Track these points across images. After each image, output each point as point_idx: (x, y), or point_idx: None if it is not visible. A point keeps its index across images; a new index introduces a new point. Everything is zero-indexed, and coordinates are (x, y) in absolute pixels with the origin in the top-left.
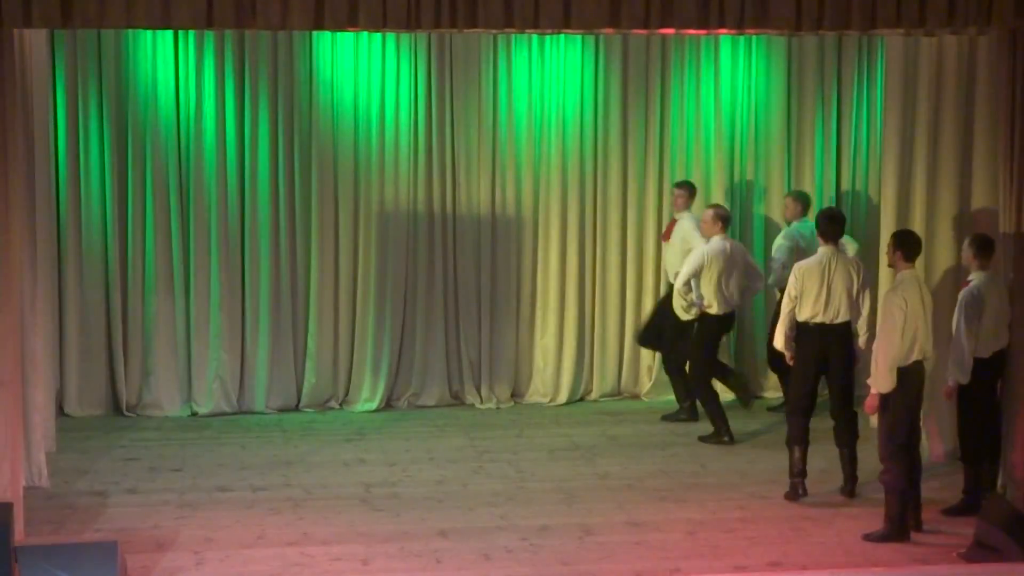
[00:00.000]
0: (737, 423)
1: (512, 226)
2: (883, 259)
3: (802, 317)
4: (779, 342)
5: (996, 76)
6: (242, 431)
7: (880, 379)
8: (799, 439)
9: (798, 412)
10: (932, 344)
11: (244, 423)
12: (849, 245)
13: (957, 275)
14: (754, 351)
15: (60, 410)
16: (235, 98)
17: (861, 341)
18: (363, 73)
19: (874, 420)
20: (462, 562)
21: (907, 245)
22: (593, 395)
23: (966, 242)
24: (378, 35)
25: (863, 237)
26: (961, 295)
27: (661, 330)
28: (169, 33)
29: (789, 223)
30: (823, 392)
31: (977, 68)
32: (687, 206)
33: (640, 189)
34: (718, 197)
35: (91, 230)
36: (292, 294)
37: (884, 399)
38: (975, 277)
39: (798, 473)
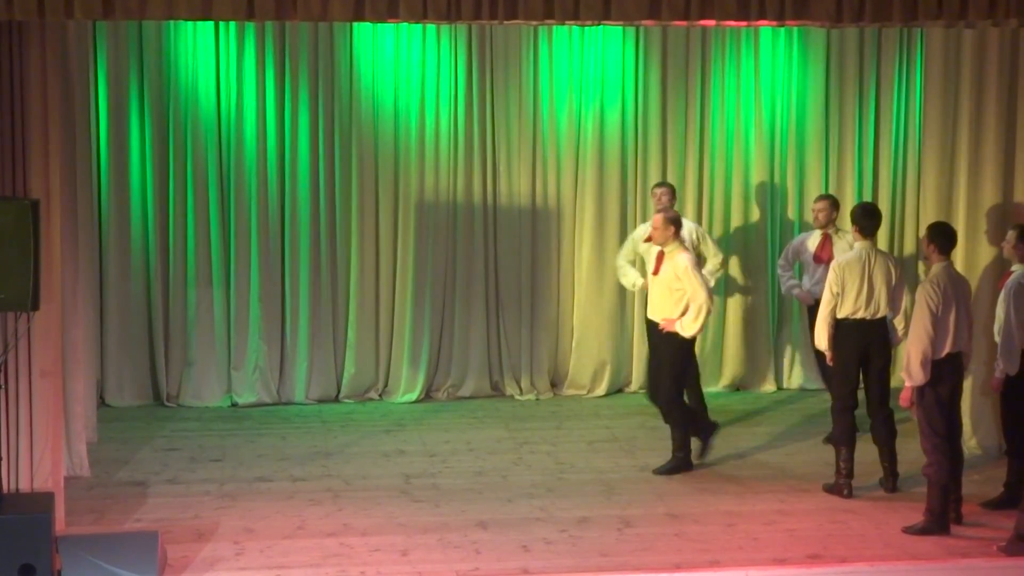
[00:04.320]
0: (778, 415)
1: (552, 217)
2: (922, 252)
3: (842, 313)
4: (821, 342)
5: None
6: (282, 422)
7: (913, 372)
8: (847, 439)
9: (845, 411)
10: (969, 337)
11: (284, 414)
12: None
13: (999, 269)
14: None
15: (101, 400)
16: (275, 90)
17: (899, 335)
18: (403, 64)
19: (913, 413)
20: (501, 553)
21: (941, 238)
22: (632, 387)
23: (1010, 234)
24: (418, 26)
25: (902, 231)
26: (1007, 285)
27: None
28: (210, 25)
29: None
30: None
31: (1020, 60)
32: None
33: (680, 180)
34: (757, 189)
35: (132, 221)
36: (332, 285)
37: (919, 392)
38: (1018, 268)
39: (846, 474)
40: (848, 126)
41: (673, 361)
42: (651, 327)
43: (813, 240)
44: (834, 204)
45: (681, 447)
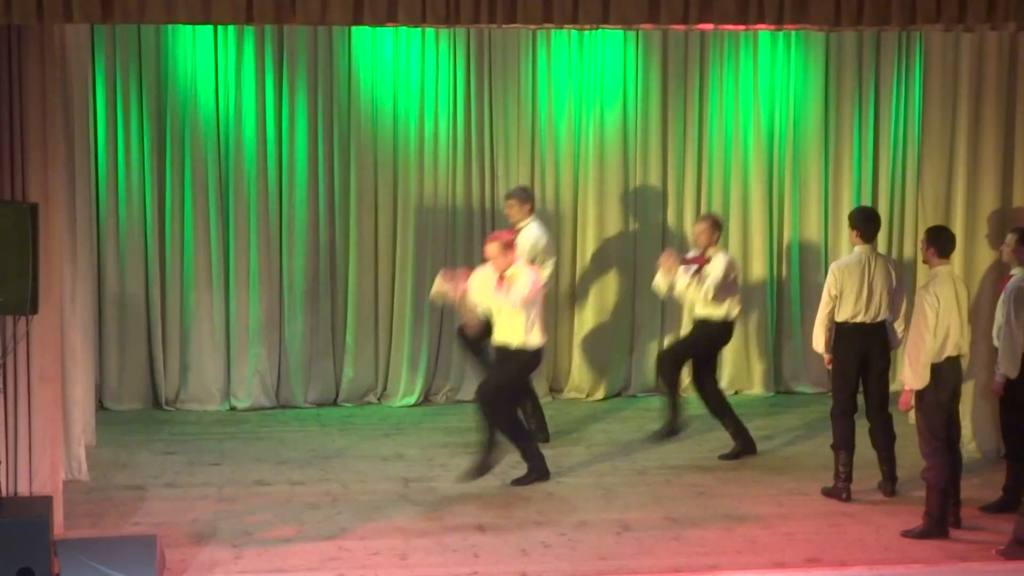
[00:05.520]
0: (776, 418)
1: (551, 221)
2: (920, 256)
3: (841, 317)
4: (819, 345)
5: None
6: (280, 425)
7: (913, 375)
8: (846, 443)
9: (845, 415)
10: (968, 340)
11: (282, 417)
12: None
13: (998, 272)
14: None
15: (100, 404)
16: (274, 93)
17: (899, 338)
18: (402, 67)
19: (912, 417)
20: (499, 557)
21: (940, 241)
22: (631, 391)
23: (1009, 237)
24: (417, 30)
25: (901, 235)
26: (1007, 289)
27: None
28: (208, 28)
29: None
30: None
31: (1019, 64)
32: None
33: (679, 183)
34: (756, 193)
35: (130, 225)
36: (331, 288)
37: (919, 396)
38: (1018, 272)
39: (845, 478)
40: (847, 129)
41: (517, 376)
42: (497, 351)
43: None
44: (715, 225)
45: (533, 455)
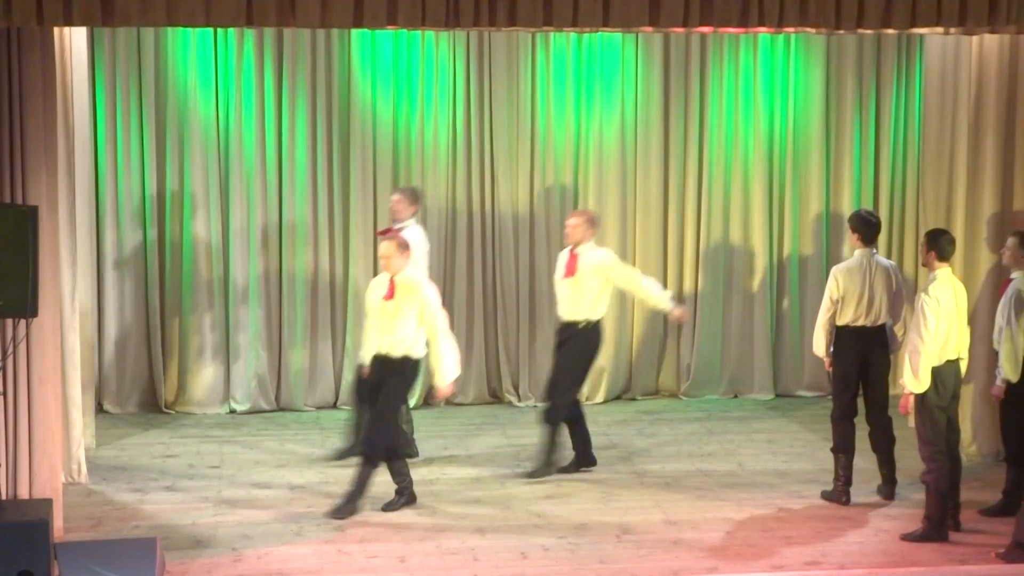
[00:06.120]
0: (776, 421)
1: (552, 224)
2: (920, 259)
3: (843, 321)
4: (820, 349)
5: None
6: (280, 429)
7: (913, 379)
8: (846, 447)
9: (845, 419)
10: (967, 344)
11: (282, 421)
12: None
13: (998, 276)
14: None
15: (99, 407)
16: (274, 95)
17: (899, 342)
18: (402, 70)
19: (911, 421)
20: (499, 560)
21: (940, 245)
22: (631, 394)
23: (1010, 240)
24: (417, 32)
25: (901, 238)
26: (1007, 292)
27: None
28: (208, 31)
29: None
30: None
31: (1019, 66)
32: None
33: (679, 186)
34: (757, 195)
35: (130, 227)
36: (330, 291)
37: (919, 399)
38: (1018, 275)
39: (844, 481)
40: (847, 133)
41: (402, 393)
42: (378, 360)
43: (562, 260)
44: (591, 221)
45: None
